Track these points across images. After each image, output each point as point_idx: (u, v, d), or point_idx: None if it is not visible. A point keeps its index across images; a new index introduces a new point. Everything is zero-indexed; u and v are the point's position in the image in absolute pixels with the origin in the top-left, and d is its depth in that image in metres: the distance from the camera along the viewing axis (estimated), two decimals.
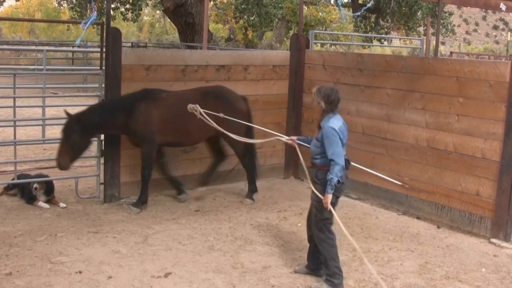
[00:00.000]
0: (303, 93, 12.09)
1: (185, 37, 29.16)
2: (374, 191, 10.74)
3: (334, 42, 31.81)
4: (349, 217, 9.80)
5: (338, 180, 6.84)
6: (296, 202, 10.56)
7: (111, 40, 9.82)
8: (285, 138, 8.04)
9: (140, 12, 30.71)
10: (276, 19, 33.58)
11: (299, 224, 9.31)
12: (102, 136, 10.13)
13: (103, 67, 10.10)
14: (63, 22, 44.01)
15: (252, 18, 28.91)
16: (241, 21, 33.92)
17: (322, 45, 34.38)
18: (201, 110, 8.86)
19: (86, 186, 10.77)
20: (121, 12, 29.79)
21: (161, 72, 10.44)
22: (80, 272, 7.34)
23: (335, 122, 6.96)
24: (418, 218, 9.95)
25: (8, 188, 10.27)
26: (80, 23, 11.12)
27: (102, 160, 10.28)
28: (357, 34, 31.69)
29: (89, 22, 9.88)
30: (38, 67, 17.87)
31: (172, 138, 9.97)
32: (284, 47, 37.89)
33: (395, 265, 7.93)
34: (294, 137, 7.77)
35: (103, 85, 10.06)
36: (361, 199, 10.86)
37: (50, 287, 6.93)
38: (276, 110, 11.95)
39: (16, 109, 10.28)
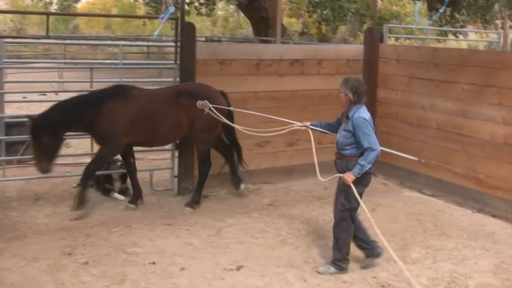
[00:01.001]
0: (377, 88, 11.98)
1: (259, 32, 29.20)
2: (448, 187, 10.56)
3: (408, 36, 31.34)
4: (422, 214, 9.68)
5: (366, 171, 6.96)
6: (369, 197, 10.40)
7: (186, 34, 9.93)
8: (298, 124, 8.13)
9: (214, 6, 30.88)
10: (350, 13, 33.31)
11: (372, 220, 9.23)
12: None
13: (178, 62, 10.22)
14: (139, 17, 44.55)
15: (326, 12, 28.73)
16: (314, 15, 33.72)
17: (396, 39, 33.97)
18: (210, 106, 8.84)
19: (161, 179, 10.92)
20: (195, 7, 29.97)
21: (235, 66, 10.50)
22: (153, 263, 7.46)
23: (365, 113, 7.07)
24: (493, 216, 9.70)
25: None
26: (155, 18, 11.27)
27: (176, 154, 10.41)
28: (432, 28, 31.21)
29: (166, 15, 9.97)
30: (114, 61, 18.14)
31: (141, 137, 9.46)
32: (358, 41, 37.58)
33: (469, 264, 7.78)
34: (307, 123, 7.89)
35: (178, 79, 10.18)
36: (435, 196, 10.69)
37: (124, 277, 7.07)
38: None
39: None
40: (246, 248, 7.97)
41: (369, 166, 6.93)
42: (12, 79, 16.14)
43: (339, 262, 7.28)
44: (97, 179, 10.28)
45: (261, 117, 8.99)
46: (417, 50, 11.74)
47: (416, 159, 7.75)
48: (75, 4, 40.58)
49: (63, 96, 14.65)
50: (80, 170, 10.70)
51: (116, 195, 10.00)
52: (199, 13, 31.15)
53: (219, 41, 36.06)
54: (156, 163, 12.05)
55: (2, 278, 6.92)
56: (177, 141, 10.27)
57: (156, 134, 9.48)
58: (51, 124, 8.81)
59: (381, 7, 36.62)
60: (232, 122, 9.53)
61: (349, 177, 6.95)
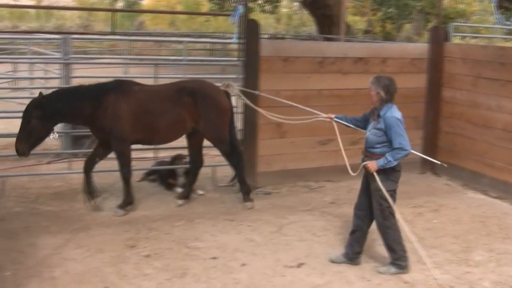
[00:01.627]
0: (442, 87, 11.83)
1: (323, 29, 29.10)
2: None
3: (475, 35, 30.85)
4: (487, 216, 9.53)
5: (394, 168, 7.06)
6: (432, 198, 10.36)
7: (249, 31, 9.96)
8: (323, 115, 8.16)
9: (278, 4, 30.92)
10: (415, 11, 32.98)
11: (435, 221, 9.15)
12: (240, 125, 10.30)
13: (241, 58, 10.26)
14: (203, 14, 44.84)
15: (390, 10, 28.56)
16: (379, 13, 33.55)
17: (462, 38, 33.48)
18: (237, 88, 9.02)
19: (223, 174, 10.97)
20: (259, 4, 30.10)
21: (298, 63, 10.49)
22: (215, 258, 7.53)
23: (397, 112, 7.09)
24: None
25: (149, 174, 10.63)
26: (219, 15, 11.29)
27: None
28: (500, 26, 30.64)
29: (237, 15, 9.96)
30: (178, 57, 18.34)
31: (141, 135, 9.19)
32: (423, 39, 37.15)
33: None
34: (332, 115, 7.95)
35: (242, 76, 10.23)
36: (500, 198, 10.48)
37: (186, 270, 7.15)
38: (413, 104, 11.72)
39: None
40: (307, 246, 7.98)
41: (395, 163, 6.98)
42: (78, 74, 16.41)
43: (398, 261, 7.25)
44: (160, 174, 10.40)
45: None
46: (483, 49, 11.54)
47: (439, 163, 7.65)
48: (140, 1, 41.14)
49: None
50: (144, 164, 10.88)
51: (179, 189, 10.09)
52: (263, 10, 31.28)
53: (283, 38, 36.05)
54: (219, 159, 12.07)
55: (67, 268, 7.07)
56: (240, 137, 10.30)
57: (156, 132, 9.26)
58: (48, 108, 8.59)
59: (447, 5, 36.08)
60: (233, 122, 9.60)
61: (373, 165, 7.04)
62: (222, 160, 11.33)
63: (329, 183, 10.79)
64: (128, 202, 9.21)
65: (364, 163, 7.19)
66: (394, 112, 7.05)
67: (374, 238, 8.19)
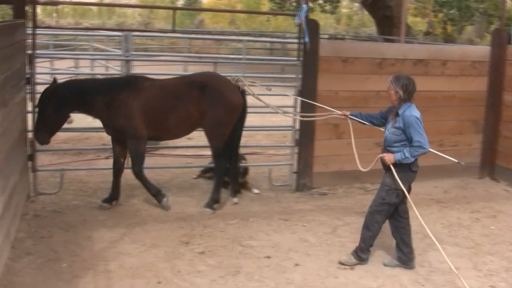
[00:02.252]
0: (503, 91, 11.60)
1: (383, 30, 28.92)
2: None
3: None
4: None
5: (409, 166, 7.10)
6: (490, 203, 10.19)
7: (309, 31, 9.92)
8: (337, 112, 8.19)
9: (338, 4, 30.79)
10: (477, 13, 32.49)
11: (493, 227, 8.99)
12: (297, 126, 10.28)
13: (301, 58, 10.24)
14: (263, 13, 44.93)
15: (452, 11, 28.17)
16: (440, 15, 33.10)
17: None
18: (246, 83, 8.94)
19: (279, 174, 10.98)
20: (319, 4, 30.00)
21: (358, 64, 10.42)
22: (268, 257, 7.53)
23: (416, 111, 7.11)
24: None
25: (205, 171, 10.69)
26: (279, 14, 11.25)
27: (296, 150, 10.44)
28: None
29: (302, 15, 9.88)
30: (237, 56, 18.42)
31: (153, 132, 9.05)
32: (484, 42, 36.57)
33: None
34: (347, 112, 7.95)
35: (300, 76, 10.21)
36: None
37: (239, 268, 7.16)
38: (473, 107, 11.56)
39: None
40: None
41: (411, 160, 7.00)
42: (139, 71, 16.58)
43: (362, 253, 7.42)
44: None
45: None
46: None
47: (456, 161, 7.52)
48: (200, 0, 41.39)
49: None
50: (201, 162, 10.95)
51: (256, 191, 10.13)
52: (323, 10, 31.17)
53: (343, 39, 35.90)
54: (275, 158, 12.14)
55: (122, 262, 7.15)
56: (297, 137, 10.29)
57: (166, 128, 9.10)
58: (61, 97, 8.60)
59: (510, 7, 35.45)
60: (242, 121, 9.40)
61: (390, 157, 7.09)
62: (278, 159, 11.37)
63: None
64: (157, 193, 9.19)
65: (381, 155, 7.25)
66: (413, 111, 7.06)
67: (429, 243, 8.09)
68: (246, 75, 11.29)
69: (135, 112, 8.77)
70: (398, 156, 7.00)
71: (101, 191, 9.45)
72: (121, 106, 8.73)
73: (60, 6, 41.91)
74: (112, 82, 9.29)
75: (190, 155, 12.06)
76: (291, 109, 10.51)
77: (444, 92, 11.01)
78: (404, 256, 7.44)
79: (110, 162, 10.88)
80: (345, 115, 7.99)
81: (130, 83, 9.01)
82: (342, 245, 8.02)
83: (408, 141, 7.01)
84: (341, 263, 7.38)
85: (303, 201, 9.83)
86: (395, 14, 27.64)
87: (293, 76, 10.79)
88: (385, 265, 7.45)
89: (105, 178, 10.17)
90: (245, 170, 10.27)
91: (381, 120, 7.58)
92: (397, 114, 7.11)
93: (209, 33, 35.56)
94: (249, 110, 9.52)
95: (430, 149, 7.17)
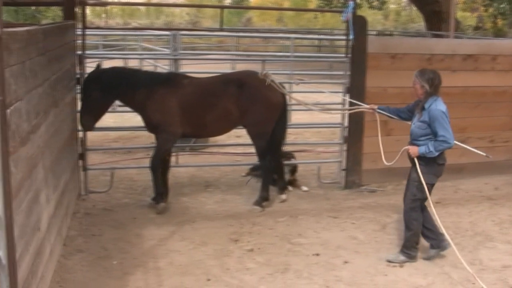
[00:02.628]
0: None
1: (431, 25, 28.57)
2: None
3: None
4: None
5: (435, 160, 7.09)
6: None
7: (357, 28, 9.88)
8: (365, 106, 8.28)
9: (386, 0, 30.56)
10: None
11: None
12: (346, 123, 10.24)
13: (349, 55, 10.20)
14: (311, 10, 44.91)
15: (503, 5, 27.75)
16: (490, 9, 32.64)
17: None
18: (272, 78, 8.71)
19: (328, 171, 10.95)
20: (367, 0, 29.84)
21: (406, 60, 10.32)
22: (317, 254, 7.53)
23: (442, 105, 7.10)
24: None
25: (254, 169, 10.71)
26: (326, 11, 11.21)
27: (345, 147, 10.40)
28: None
29: (349, 11, 9.83)
30: (285, 54, 18.41)
31: (190, 129, 9.02)
32: None
33: None
34: (375, 106, 7.97)
35: (349, 73, 10.16)
36: None
37: (288, 266, 7.17)
38: None
39: None
40: None
41: (435, 154, 7.00)
42: (187, 69, 16.68)
43: (409, 250, 7.39)
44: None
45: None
46: None
47: (484, 154, 7.40)
48: None
49: None
50: (250, 160, 10.98)
51: (305, 188, 10.18)
52: (371, 7, 31.00)
53: (391, 35, 35.64)
54: (324, 156, 12.11)
55: (171, 259, 7.22)
56: (345, 134, 10.25)
57: (203, 126, 9.08)
58: (105, 83, 8.65)
59: None
60: (283, 119, 9.34)
61: (414, 150, 7.12)
62: (327, 157, 11.35)
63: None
64: (158, 193, 9.01)
65: (406, 147, 7.27)
66: (439, 105, 7.04)
67: (480, 241, 8.01)
68: (294, 72, 11.29)
69: (172, 108, 8.80)
70: (423, 149, 7.02)
71: (151, 189, 9.53)
72: (159, 101, 8.78)
73: (108, 7, 42.46)
74: (154, 76, 9.40)
75: (239, 153, 12.10)
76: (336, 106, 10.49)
77: (495, 88, 10.86)
78: (434, 239, 7.50)
79: None
80: (373, 109, 8.02)
81: (170, 79, 9.08)
82: (391, 242, 7.97)
83: (434, 135, 7.02)
84: (389, 261, 7.36)
85: (352, 198, 9.79)
86: (443, 9, 27.26)
87: (341, 73, 10.75)
88: (426, 259, 7.46)
89: None
90: (294, 168, 10.27)
91: (409, 114, 7.58)
92: (423, 108, 7.11)
93: (257, 31, 35.61)
94: (297, 107, 9.50)
95: (456, 142, 7.19)
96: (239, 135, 13.24)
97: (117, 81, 8.77)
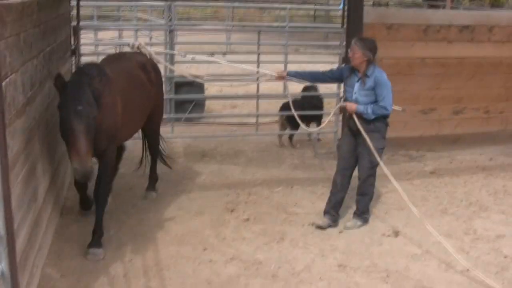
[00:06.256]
0: None
1: None
2: None
3: None
4: None
5: (386, 123, 7.29)
6: None
7: None
8: (270, 73, 8.14)
9: None
10: None
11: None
12: (342, 92, 10.25)
13: (345, 26, 10.17)
14: None
15: None
16: None
17: None
18: (149, 49, 8.03)
19: (324, 142, 10.99)
20: None
21: (403, 31, 10.30)
22: (312, 224, 7.57)
23: (384, 73, 7.22)
24: None
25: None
26: None
27: (340, 117, 10.42)
28: None
29: None
30: (281, 24, 18.38)
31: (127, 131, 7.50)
32: None
33: None
34: (284, 73, 7.92)
35: (344, 43, 10.15)
36: None
37: (284, 235, 7.23)
38: None
39: (260, 64, 10.67)
40: (405, 215, 7.89)
41: (372, 117, 7.12)
42: (182, 40, 16.64)
43: (366, 214, 7.65)
44: (288, 117, 10.53)
45: (428, 84, 8.79)
46: None
47: (400, 109, 7.48)
48: None
49: (231, 58, 15.05)
50: (246, 130, 11.00)
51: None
52: None
53: (387, 5, 35.45)
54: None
55: (168, 229, 7.27)
56: (341, 104, 10.25)
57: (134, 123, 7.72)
58: None
59: None
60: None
61: (351, 107, 7.21)
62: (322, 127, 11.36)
63: (430, 153, 10.63)
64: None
65: (342, 103, 7.43)
66: (382, 72, 7.18)
67: (475, 211, 8.06)
68: (290, 43, 11.28)
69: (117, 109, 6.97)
70: (361, 108, 7.12)
71: (147, 160, 9.53)
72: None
73: None
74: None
75: (234, 123, 12.11)
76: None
77: (491, 59, 10.84)
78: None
79: None
80: (282, 76, 7.97)
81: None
82: (386, 212, 8.04)
83: (375, 100, 7.13)
84: (348, 228, 7.52)
85: None
86: None
87: (337, 43, 10.73)
88: (347, 227, 7.57)
89: None
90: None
91: (327, 78, 7.75)
92: (365, 76, 7.16)
93: (252, 1, 35.38)
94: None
95: (395, 107, 7.33)
96: (235, 105, 13.27)
97: None
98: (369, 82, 7.11)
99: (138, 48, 7.99)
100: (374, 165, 7.37)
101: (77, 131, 5.82)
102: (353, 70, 7.30)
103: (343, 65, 7.57)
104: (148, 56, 8.02)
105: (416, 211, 6.95)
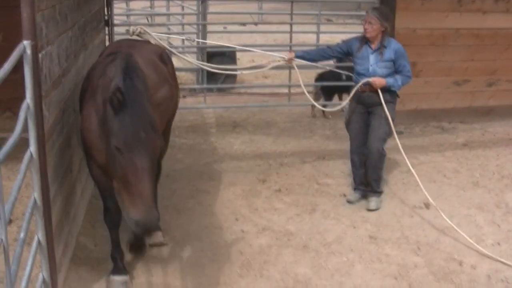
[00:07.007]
0: None
1: None
2: None
3: None
4: None
5: (396, 93, 7.19)
6: None
7: None
8: (280, 57, 7.65)
9: None
10: None
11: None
12: None
13: None
14: None
15: None
16: None
17: None
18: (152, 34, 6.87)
19: None
20: None
21: (437, 2, 10.15)
22: (344, 195, 7.60)
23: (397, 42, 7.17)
24: None
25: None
26: None
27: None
28: None
29: None
30: None
31: None
32: None
33: None
34: (292, 55, 7.41)
35: None
36: None
37: (315, 206, 7.28)
38: None
39: (292, 34, 10.65)
40: (437, 187, 7.89)
41: (398, 89, 7.10)
42: (214, 10, 16.61)
43: (379, 188, 7.46)
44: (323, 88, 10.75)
45: (461, 55, 8.71)
46: None
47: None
48: None
49: (263, 28, 15.01)
50: (278, 100, 11.00)
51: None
52: None
53: None
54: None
55: (201, 199, 7.35)
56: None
57: None
58: None
59: None
60: None
61: (381, 81, 6.98)
62: None
63: (462, 125, 10.56)
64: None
65: (367, 79, 7.02)
66: (397, 43, 7.13)
67: (507, 184, 8.02)
68: (322, 13, 11.22)
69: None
70: (391, 81, 7.01)
71: (179, 130, 9.59)
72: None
73: None
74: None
75: (266, 93, 12.13)
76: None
77: None
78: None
79: (188, 101, 11.10)
80: (290, 59, 7.43)
81: None
82: (417, 184, 8.00)
83: (396, 71, 7.06)
84: (372, 210, 7.28)
85: None
86: None
87: None
88: (370, 209, 7.35)
89: (183, 117, 10.25)
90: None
91: (337, 53, 7.54)
92: (383, 46, 7.04)
93: None
94: None
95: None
96: (267, 76, 13.26)
97: None
98: (388, 53, 7.01)
99: (138, 34, 6.76)
100: (388, 136, 7.29)
101: (141, 168, 4.30)
102: (363, 42, 7.15)
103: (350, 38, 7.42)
104: (153, 42, 6.83)
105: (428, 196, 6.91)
